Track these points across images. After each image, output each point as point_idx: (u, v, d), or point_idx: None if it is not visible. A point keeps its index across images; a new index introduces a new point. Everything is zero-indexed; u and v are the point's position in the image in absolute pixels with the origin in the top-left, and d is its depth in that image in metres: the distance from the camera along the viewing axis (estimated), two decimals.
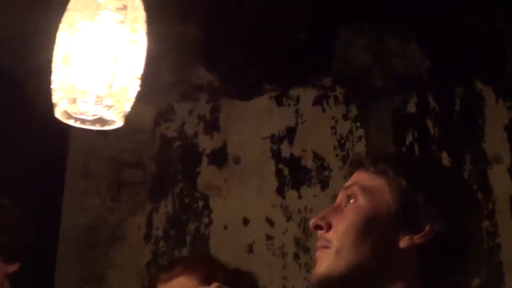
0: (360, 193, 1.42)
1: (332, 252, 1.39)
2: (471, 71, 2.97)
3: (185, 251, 2.90)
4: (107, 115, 1.57)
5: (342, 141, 2.96)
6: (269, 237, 2.88)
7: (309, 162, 2.96)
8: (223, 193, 2.97)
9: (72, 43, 1.54)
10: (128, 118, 3.01)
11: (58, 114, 1.56)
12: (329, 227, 1.42)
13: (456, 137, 2.93)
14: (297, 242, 2.85)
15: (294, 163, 2.97)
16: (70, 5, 1.56)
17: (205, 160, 3.03)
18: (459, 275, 1.40)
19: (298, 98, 3.04)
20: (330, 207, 1.46)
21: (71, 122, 1.58)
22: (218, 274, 1.71)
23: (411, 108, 2.98)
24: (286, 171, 2.96)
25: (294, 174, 2.95)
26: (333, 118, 3.00)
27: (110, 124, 1.61)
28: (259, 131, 3.01)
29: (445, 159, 2.87)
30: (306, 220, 2.78)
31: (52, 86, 1.55)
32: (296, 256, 2.84)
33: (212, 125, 3.07)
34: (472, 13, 3.00)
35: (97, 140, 3.10)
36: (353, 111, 3.00)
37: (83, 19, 1.54)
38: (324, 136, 2.97)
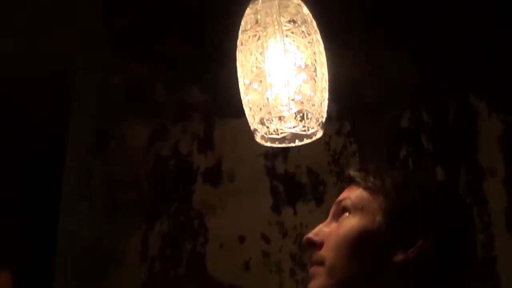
0: (351, 208, 1.43)
1: (325, 269, 1.39)
2: (464, 85, 2.98)
3: (181, 270, 2.89)
4: (306, 128, 1.56)
5: (336, 157, 2.96)
6: (265, 254, 2.88)
7: (303, 178, 2.96)
8: (218, 211, 2.97)
9: (262, 63, 1.54)
10: (123, 137, 3.01)
11: (258, 138, 1.57)
12: (322, 243, 1.42)
13: (450, 151, 2.93)
14: (293, 258, 2.85)
15: (288, 179, 2.97)
16: (243, 26, 1.56)
17: (199, 178, 3.02)
18: (453, 287, 1.41)
19: None
20: (322, 224, 1.46)
21: (273, 145, 1.59)
22: None
23: (405, 123, 2.98)
24: (281, 187, 2.96)
25: (289, 190, 2.95)
26: (326, 133, 2.99)
27: (305, 138, 1.61)
28: (253, 148, 3.01)
29: (440, 173, 2.88)
30: (302, 236, 2.75)
31: (247, 111, 1.54)
32: (292, 273, 2.84)
33: (206, 144, 3.07)
34: (465, 26, 3.01)
35: (92, 161, 3.10)
36: (347, 126, 3.00)
37: (268, 37, 1.54)
38: (318, 152, 2.97)
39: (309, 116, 1.57)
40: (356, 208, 1.42)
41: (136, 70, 3.18)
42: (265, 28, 1.56)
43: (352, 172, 1.50)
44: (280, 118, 1.54)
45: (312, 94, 1.56)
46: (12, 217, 2.16)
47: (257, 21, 1.58)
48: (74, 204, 3.06)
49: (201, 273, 2.85)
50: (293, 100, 1.55)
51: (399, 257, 1.37)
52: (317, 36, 1.62)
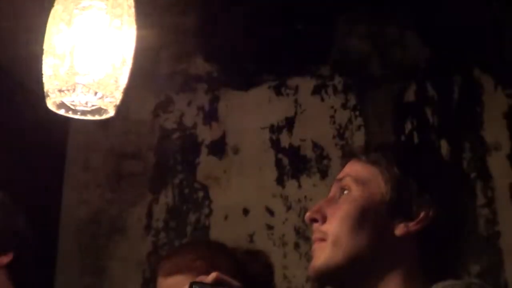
0: (353, 183, 1.43)
1: (328, 244, 1.40)
2: (469, 59, 2.96)
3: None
4: (100, 104, 1.57)
5: (341, 130, 2.96)
6: (269, 227, 2.89)
7: (308, 152, 2.96)
8: (223, 184, 2.97)
9: (61, 35, 1.54)
10: (128, 109, 3.02)
11: (50, 104, 1.57)
12: (324, 219, 1.43)
13: (455, 125, 2.92)
14: (297, 231, 2.86)
15: (293, 152, 2.97)
16: None
17: (204, 150, 3.03)
18: (456, 260, 1.42)
19: (297, 88, 3.04)
20: (324, 200, 1.46)
21: (62, 112, 1.59)
22: (222, 263, 1.71)
23: (410, 96, 2.98)
24: (285, 161, 2.97)
25: (293, 163, 2.96)
26: (332, 107, 3.00)
27: (103, 114, 1.61)
28: (258, 121, 3.01)
29: (444, 147, 2.87)
30: (306, 210, 2.76)
31: (43, 78, 1.56)
32: (296, 246, 2.85)
33: (211, 116, 3.07)
34: (471, 0, 3.00)
35: (97, 132, 3.10)
36: (352, 100, 3.00)
37: (68, 10, 1.55)
38: (323, 125, 2.97)
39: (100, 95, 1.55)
40: (357, 183, 1.42)
41: (141, 41, 3.17)
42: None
43: (353, 147, 1.50)
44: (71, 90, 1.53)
45: (107, 73, 1.56)
46: (14, 190, 2.15)
47: None
48: (78, 175, 3.08)
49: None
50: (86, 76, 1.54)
51: (401, 230, 1.38)
52: (117, 11, 1.60)
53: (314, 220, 1.45)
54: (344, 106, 3.00)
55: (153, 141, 3.09)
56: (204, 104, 3.09)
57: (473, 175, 2.80)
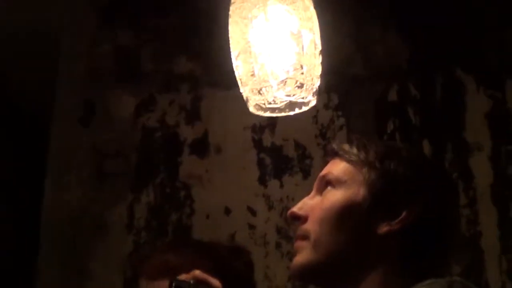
0: (334, 181, 1.43)
1: (310, 243, 1.39)
2: (451, 59, 2.98)
3: None
4: (298, 97, 1.54)
5: (324, 130, 2.96)
6: (251, 226, 2.89)
7: (290, 151, 2.96)
8: (205, 183, 2.97)
9: (248, 34, 1.52)
10: (109, 108, 3.01)
11: (251, 107, 1.55)
12: (306, 217, 1.42)
13: (437, 125, 2.93)
14: (279, 231, 2.86)
15: (275, 152, 2.97)
16: None
17: (186, 150, 3.02)
18: (437, 259, 1.41)
19: None
20: (306, 198, 1.46)
21: (266, 114, 1.57)
22: (203, 261, 1.71)
23: (392, 96, 2.98)
24: (267, 160, 2.96)
25: (275, 163, 2.95)
26: (314, 107, 2.98)
27: (303, 106, 1.59)
28: (241, 120, 3.00)
29: (426, 147, 2.88)
30: (288, 209, 2.77)
31: (239, 80, 1.53)
32: (278, 245, 2.84)
33: (193, 115, 3.06)
34: (452, 0, 3.01)
35: (78, 131, 3.09)
36: (334, 100, 3.00)
37: (253, 7, 1.53)
38: (306, 125, 2.97)
39: (299, 84, 1.55)
40: (339, 181, 1.42)
41: (123, 40, 3.16)
42: None
43: (335, 145, 1.50)
44: (268, 87, 1.52)
45: (298, 61, 1.54)
46: None
47: None
48: (60, 174, 3.06)
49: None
50: (280, 69, 1.53)
51: (383, 228, 1.37)
52: (305, 3, 1.60)
53: (295, 218, 1.44)
54: (326, 106, 3.00)
55: (135, 140, 3.07)
56: (187, 103, 3.08)
57: (455, 175, 2.81)
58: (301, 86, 1.53)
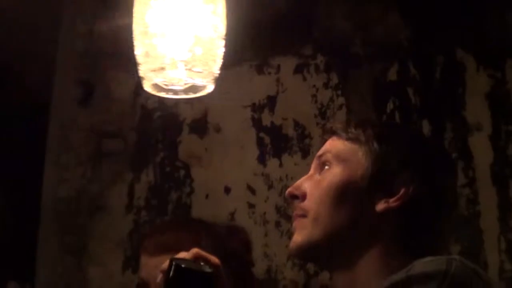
0: (333, 160, 1.43)
1: (309, 221, 1.40)
2: (451, 39, 2.96)
3: None
4: (197, 81, 1.54)
5: (323, 110, 2.96)
6: (251, 205, 2.89)
7: (290, 131, 2.96)
8: (204, 162, 2.97)
9: (148, 15, 1.52)
10: (109, 88, 3.00)
11: (147, 87, 1.55)
12: (304, 196, 1.43)
13: (436, 105, 2.93)
14: (278, 210, 2.86)
15: (275, 131, 2.97)
16: None
17: (186, 129, 3.02)
18: (435, 237, 1.42)
19: (278, 67, 3.03)
20: (305, 176, 1.46)
21: (162, 95, 1.57)
22: (202, 239, 1.72)
23: (392, 76, 2.98)
24: (267, 139, 2.96)
25: (275, 142, 2.95)
26: (314, 86, 2.99)
27: (201, 90, 1.59)
28: (240, 99, 3.00)
29: (426, 127, 2.88)
30: (287, 188, 2.78)
31: (137, 60, 1.53)
32: (277, 224, 2.85)
33: None
34: None
35: (78, 111, 3.09)
36: (334, 79, 2.99)
37: None
38: (305, 104, 2.97)
39: (195, 68, 1.54)
40: (338, 160, 1.42)
41: (123, 20, 3.15)
42: None
43: (333, 124, 1.50)
44: (163, 68, 1.52)
45: (195, 44, 1.54)
46: None
47: None
48: (59, 154, 3.06)
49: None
50: (176, 51, 1.52)
51: (381, 206, 1.37)
52: None
53: (294, 197, 1.45)
54: (326, 85, 2.99)
55: (135, 120, 3.07)
56: None
57: (454, 155, 2.81)
58: (198, 70, 1.53)
